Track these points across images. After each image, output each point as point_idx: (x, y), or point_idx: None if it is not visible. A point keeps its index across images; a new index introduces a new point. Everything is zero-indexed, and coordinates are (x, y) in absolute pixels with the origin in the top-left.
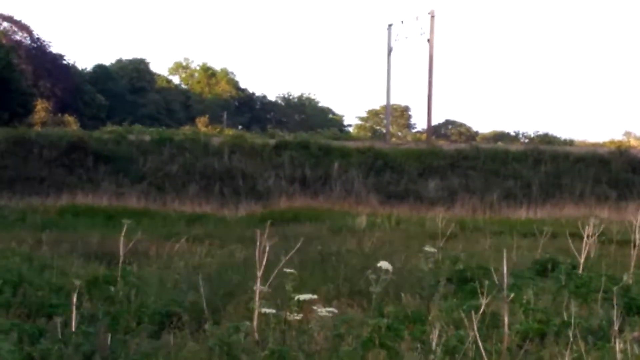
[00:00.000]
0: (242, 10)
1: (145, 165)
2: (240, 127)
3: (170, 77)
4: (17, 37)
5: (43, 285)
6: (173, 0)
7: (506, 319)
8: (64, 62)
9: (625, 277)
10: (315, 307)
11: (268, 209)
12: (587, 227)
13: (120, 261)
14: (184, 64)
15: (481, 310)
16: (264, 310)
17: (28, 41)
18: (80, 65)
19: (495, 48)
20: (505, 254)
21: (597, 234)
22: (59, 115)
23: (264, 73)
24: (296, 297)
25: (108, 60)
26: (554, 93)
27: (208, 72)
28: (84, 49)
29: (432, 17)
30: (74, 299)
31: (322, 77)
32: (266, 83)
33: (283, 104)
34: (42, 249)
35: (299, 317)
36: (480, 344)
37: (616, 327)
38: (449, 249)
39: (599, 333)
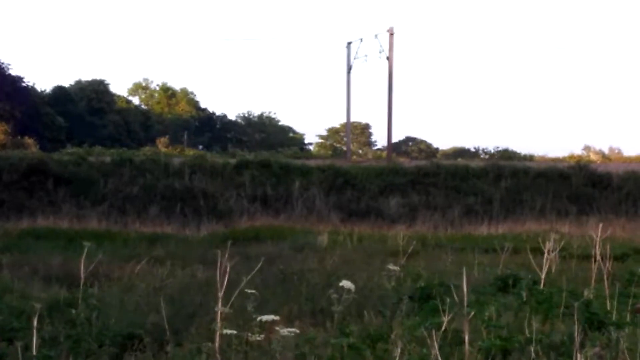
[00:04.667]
0: (201, 30)
1: (105, 186)
2: (200, 147)
3: (130, 98)
4: None
5: (3, 309)
6: (132, 21)
7: (467, 337)
8: (24, 84)
9: (586, 292)
10: (277, 328)
11: (230, 229)
12: (547, 243)
13: (82, 283)
14: (144, 84)
15: (443, 328)
16: (225, 331)
17: None
18: (39, 87)
19: (454, 64)
20: (465, 271)
21: (557, 249)
22: (19, 137)
23: (224, 92)
24: (258, 318)
25: (67, 82)
26: (513, 108)
27: (168, 92)
28: (43, 70)
29: (391, 34)
30: (35, 323)
31: (282, 96)
32: (226, 102)
33: (243, 123)
34: (2, 272)
35: (261, 337)
36: None
37: (578, 343)
38: (410, 266)
39: (561, 349)
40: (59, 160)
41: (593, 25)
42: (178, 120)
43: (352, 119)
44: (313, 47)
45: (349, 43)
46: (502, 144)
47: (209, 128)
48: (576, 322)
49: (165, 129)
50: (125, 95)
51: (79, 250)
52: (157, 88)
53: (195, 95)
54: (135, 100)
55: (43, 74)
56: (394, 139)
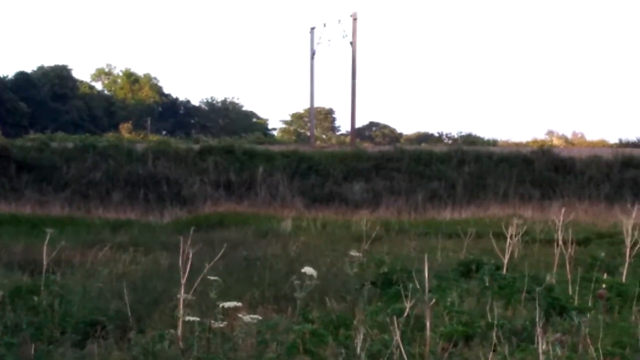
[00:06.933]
0: (164, 15)
1: (68, 172)
2: (164, 132)
3: (93, 83)
4: None
5: None
6: (94, 6)
7: (428, 322)
8: None
9: (548, 277)
10: (240, 314)
11: (193, 215)
12: (510, 227)
13: (44, 270)
14: (107, 69)
15: (405, 313)
16: (188, 318)
17: None
18: (1, 73)
19: (418, 49)
20: (427, 257)
21: (520, 234)
22: None
23: (187, 78)
24: (221, 305)
25: (29, 67)
26: (476, 93)
27: (131, 78)
28: (4, 55)
29: (355, 19)
30: None
31: (245, 81)
32: (190, 88)
33: (207, 108)
34: None
35: (223, 324)
36: (402, 348)
37: (539, 328)
38: (374, 252)
39: (523, 334)
40: (22, 146)
41: (556, 10)
42: (141, 105)
43: (316, 104)
44: (276, 32)
45: (312, 28)
46: (466, 129)
47: (172, 114)
48: (538, 307)
49: (129, 114)
50: (88, 81)
51: (41, 236)
52: (120, 73)
53: (158, 80)
54: (98, 86)
55: (5, 60)
56: (358, 124)
